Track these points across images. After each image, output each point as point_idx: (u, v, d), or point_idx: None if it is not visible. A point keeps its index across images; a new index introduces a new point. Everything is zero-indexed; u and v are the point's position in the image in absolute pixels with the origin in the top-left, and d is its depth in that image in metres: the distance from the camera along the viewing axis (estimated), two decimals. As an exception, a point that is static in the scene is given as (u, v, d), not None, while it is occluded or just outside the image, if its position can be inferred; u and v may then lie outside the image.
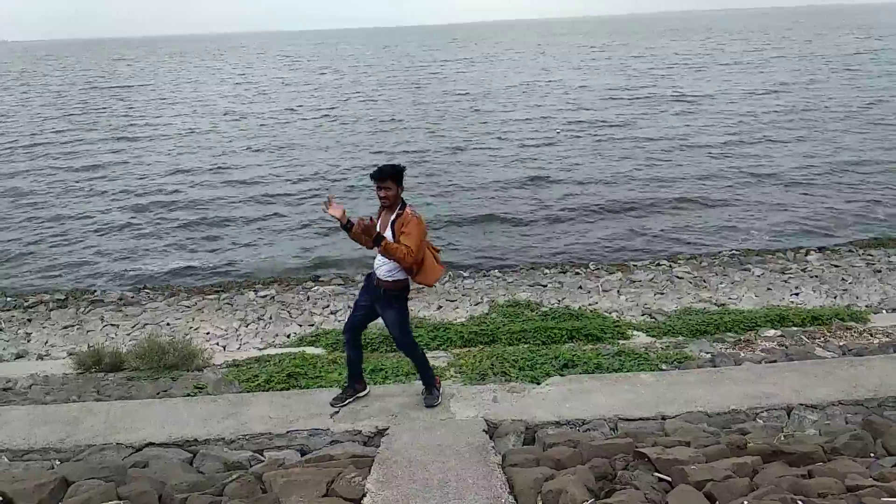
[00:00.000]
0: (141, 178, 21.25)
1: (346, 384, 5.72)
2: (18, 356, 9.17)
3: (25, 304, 11.66)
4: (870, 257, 12.20)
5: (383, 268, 5.17)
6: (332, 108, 35.29)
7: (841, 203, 15.99)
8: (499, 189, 18.28)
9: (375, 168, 5.08)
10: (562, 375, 6.20)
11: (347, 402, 5.58)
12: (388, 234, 5.02)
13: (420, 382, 5.73)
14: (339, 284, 11.91)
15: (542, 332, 7.86)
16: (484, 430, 4.98)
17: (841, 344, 7.09)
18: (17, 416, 5.67)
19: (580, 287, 11.17)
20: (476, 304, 10.39)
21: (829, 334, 7.52)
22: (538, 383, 6.01)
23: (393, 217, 5.07)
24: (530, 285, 11.33)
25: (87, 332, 10.24)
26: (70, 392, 6.48)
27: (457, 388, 5.88)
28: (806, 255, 12.64)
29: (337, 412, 5.46)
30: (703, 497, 3.62)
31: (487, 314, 9.42)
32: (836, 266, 11.79)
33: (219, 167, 22.39)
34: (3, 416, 5.68)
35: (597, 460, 4.19)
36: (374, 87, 44.85)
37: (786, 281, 11.10)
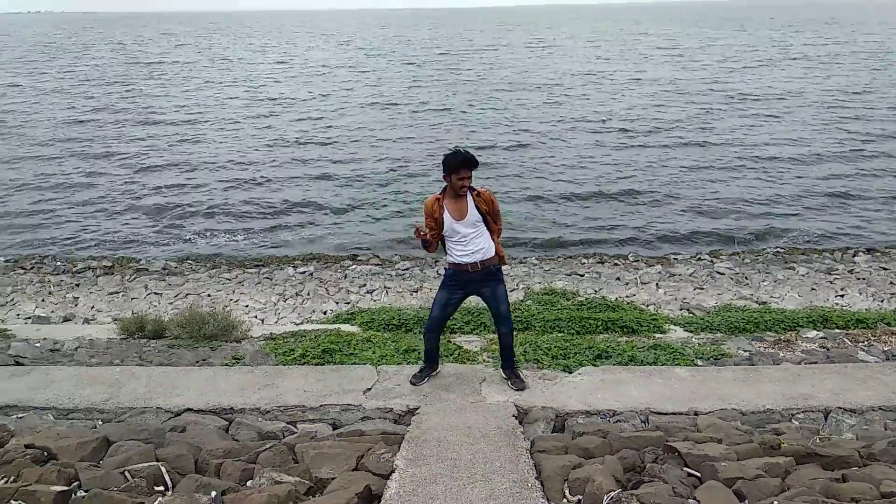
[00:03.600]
0: (188, 155, 21.66)
1: (424, 365, 5.78)
2: (66, 319, 9.49)
3: (74, 269, 12.05)
4: (921, 262, 11.82)
5: (484, 248, 5.22)
6: (386, 94, 34.79)
7: (892, 204, 15.49)
8: (539, 179, 18.14)
9: (455, 156, 4.99)
10: (595, 366, 6.17)
11: (426, 379, 5.70)
12: (473, 215, 5.12)
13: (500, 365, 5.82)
14: (376, 265, 12.02)
15: (576, 321, 7.82)
16: (514, 416, 4.99)
17: (885, 349, 6.89)
18: (63, 375, 5.89)
19: (618, 278, 11.06)
20: (511, 291, 10.37)
21: (873, 338, 7.32)
22: (570, 372, 5.99)
23: (474, 202, 5.12)
24: (567, 274, 11.26)
25: (132, 298, 10.54)
26: (113, 356, 6.70)
27: (489, 373, 5.91)
28: (854, 255, 12.30)
29: (413, 384, 5.60)
30: (731, 494, 3.58)
31: (522, 301, 9.40)
32: (884, 269, 11.45)
33: (266, 147, 22.64)
34: (50, 375, 5.90)
35: (626, 452, 4.17)
36: (428, 74, 44.04)
37: (831, 282, 10.83)
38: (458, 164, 4.97)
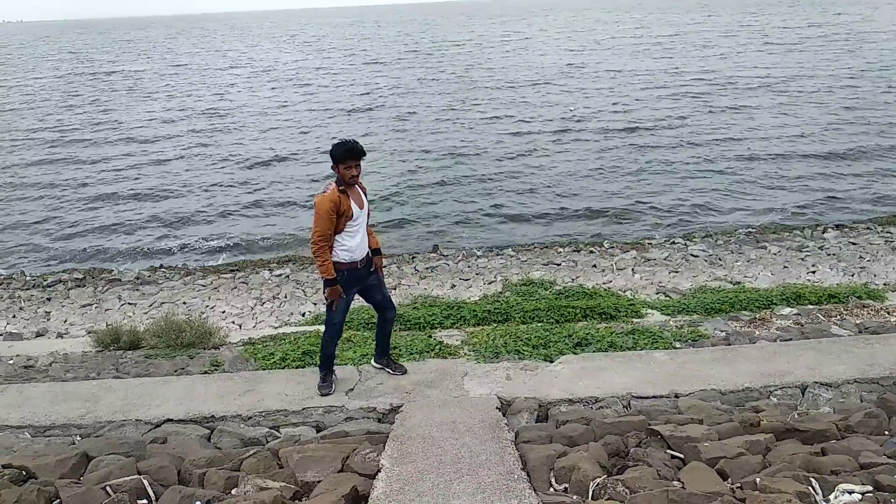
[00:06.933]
0: (156, 163, 21.33)
1: (325, 372, 5.61)
2: (38, 334, 9.30)
3: (44, 283, 11.82)
4: (888, 235, 12.07)
5: (366, 239, 5.30)
6: (363, 98, 33.73)
7: (860, 179, 15.79)
8: (512, 169, 18.20)
9: (342, 146, 4.92)
10: (575, 353, 6.21)
11: (335, 387, 5.58)
12: (367, 206, 5.24)
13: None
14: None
15: (555, 310, 7.85)
16: (497, 408, 5.01)
17: (857, 322, 7.03)
18: (38, 392, 5.78)
19: (594, 265, 11.14)
20: (490, 283, 10.40)
21: (845, 312, 7.46)
22: (551, 361, 6.02)
23: (365, 197, 5.24)
24: (544, 264, 11.31)
25: (105, 310, 10.38)
26: (89, 369, 6.58)
27: (470, 366, 5.91)
28: (823, 232, 12.52)
29: (326, 394, 5.48)
30: (715, 474, 3.63)
31: (501, 293, 9.42)
32: (853, 244, 11.68)
33: (234, 152, 22.36)
34: (24, 392, 5.78)
35: (609, 437, 4.21)
36: (397, 75, 43.04)
37: (802, 259, 11.01)
38: (344, 154, 4.90)
